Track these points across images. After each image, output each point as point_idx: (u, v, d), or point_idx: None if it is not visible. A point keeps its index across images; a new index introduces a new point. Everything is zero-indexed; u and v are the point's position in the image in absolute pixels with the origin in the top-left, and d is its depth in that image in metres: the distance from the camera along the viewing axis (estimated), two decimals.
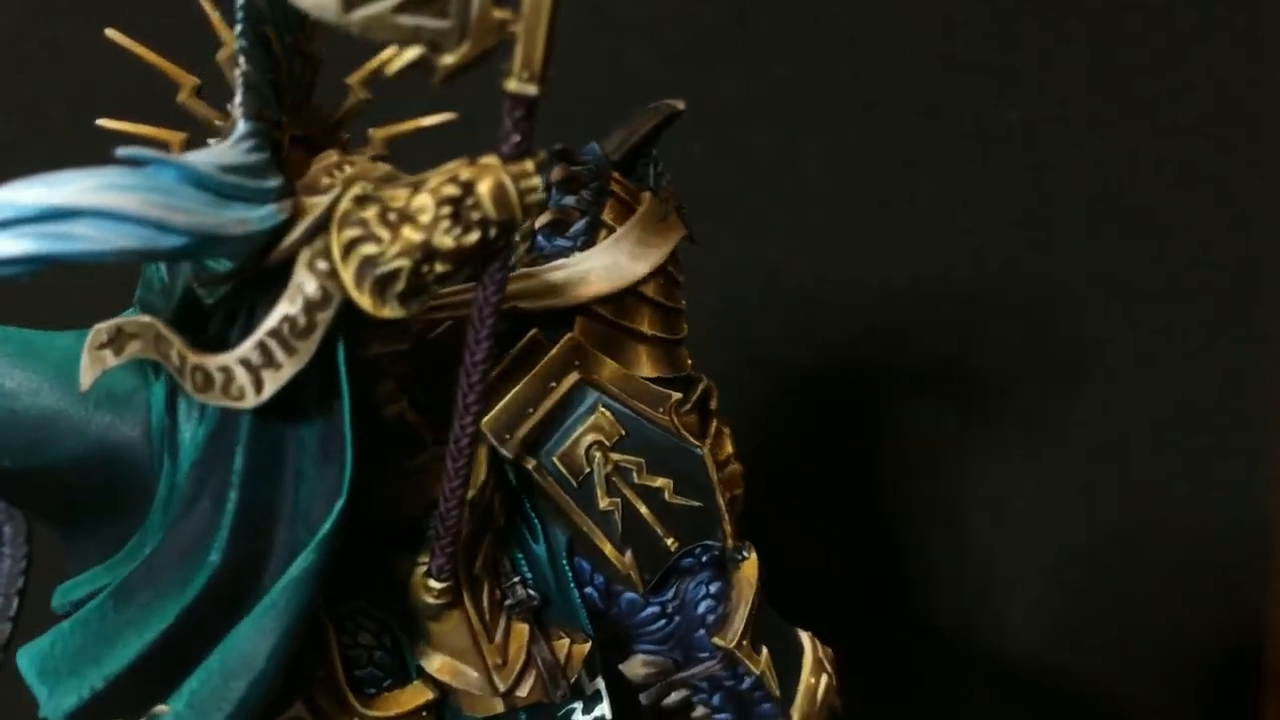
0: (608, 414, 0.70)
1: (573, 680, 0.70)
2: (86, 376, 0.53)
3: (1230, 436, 1.32)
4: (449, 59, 0.51)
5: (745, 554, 0.76)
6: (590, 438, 0.70)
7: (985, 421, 1.33)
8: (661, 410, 0.72)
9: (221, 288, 0.55)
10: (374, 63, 0.65)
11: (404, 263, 0.54)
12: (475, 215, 0.54)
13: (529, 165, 0.54)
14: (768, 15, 1.29)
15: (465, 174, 0.54)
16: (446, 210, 0.54)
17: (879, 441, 1.35)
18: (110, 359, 0.54)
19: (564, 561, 0.71)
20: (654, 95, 0.78)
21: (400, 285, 0.54)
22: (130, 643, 0.58)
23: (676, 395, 0.74)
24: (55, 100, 1.26)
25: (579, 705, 0.73)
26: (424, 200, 0.54)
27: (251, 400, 0.54)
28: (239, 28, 0.55)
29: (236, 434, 0.57)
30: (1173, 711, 1.33)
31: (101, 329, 0.53)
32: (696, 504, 0.72)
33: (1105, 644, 1.33)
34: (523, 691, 0.68)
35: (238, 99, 0.55)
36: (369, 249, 0.54)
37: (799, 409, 1.35)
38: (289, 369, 0.54)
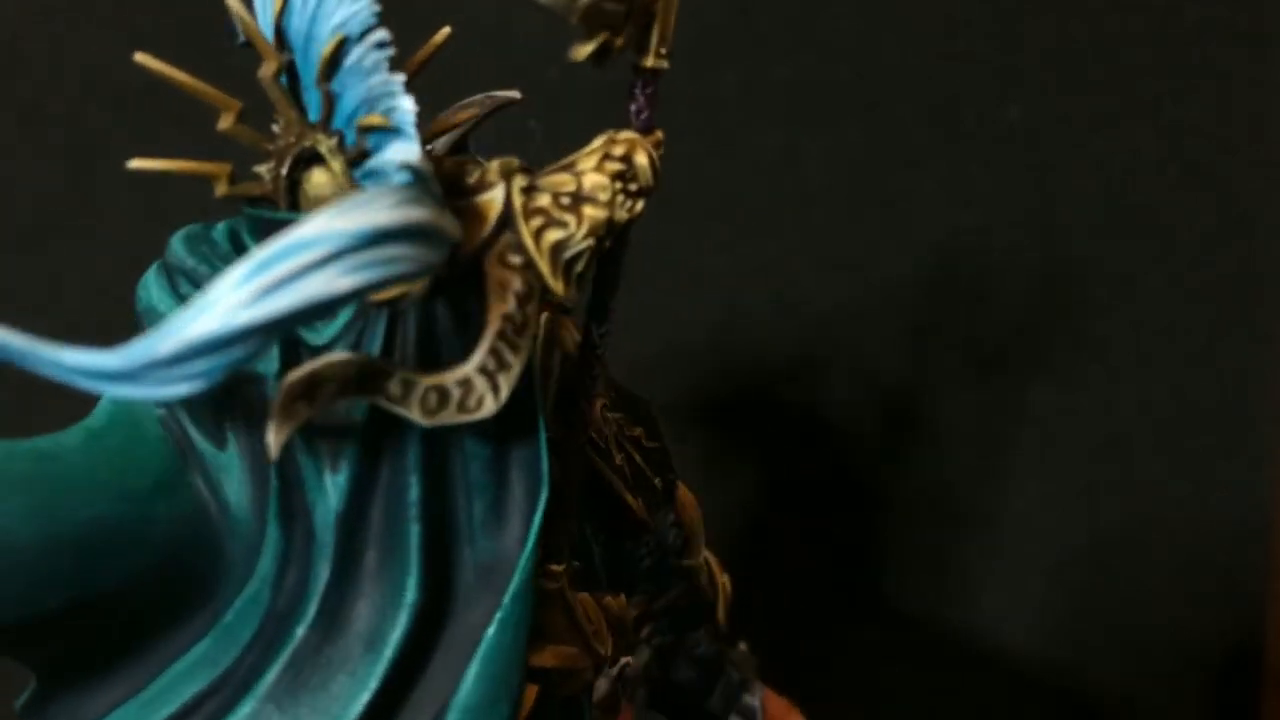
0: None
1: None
2: (278, 438, 0.48)
3: (1232, 437, 1.32)
4: (619, 41, 0.55)
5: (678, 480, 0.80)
6: (600, 400, 0.71)
7: (987, 420, 1.33)
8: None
9: (332, 322, 0.54)
10: (411, 65, 0.64)
11: (591, 242, 0.55)
12: (634, 186, 0.57)
13: (660, 135, 0.58)
14: (770, 15, 1.29)
15: (619, 150, 0.57)
16: (619, 186, 0.56)
17: (881, 440, 1.34)
18: (304, 411, 0.49)
19: (586, 527, 0.73)
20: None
21: (581, 265, 0.55)
22: None
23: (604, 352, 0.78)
24: (55, 100, 1.26)
25: None
26: (599, 179, 0.56)
27: (490, 408, 0.53)
28: (381, 34, 0.53)
29: (403, 464, 0.55)
30: (1173, 711, 1.33)
31: (295, 380, 0.48)
32: (657, 445, 0.75)
33: (1106, 643, 1.33)
34: (608, 652, 0.68)
35: (407, 104, 0.52)
36: (557, 234, 0.55)
37: (800, 408, 1.35)
38: (517, 367, 0.53)
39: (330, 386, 0.49)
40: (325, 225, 0.45)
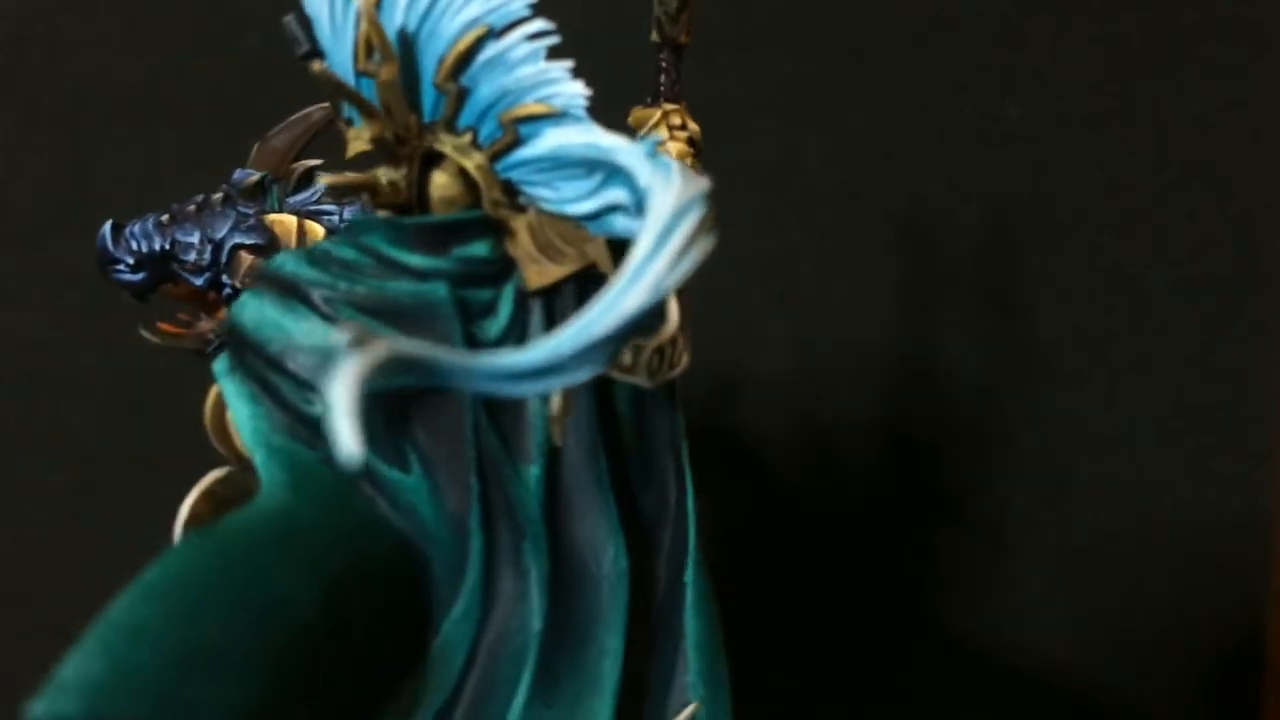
0: None
1: None
2: (563, 425, 0.52)
3: (1232, 434, 1.32)
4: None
5: None
6: None
7: (986, 419, 1.33)
8: None
9: (496, 318, 0.56)
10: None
11: None
12: (695, 150, 0.63)
13: (684, 104, 0.65)
14: (770, 11, 1.29)
15: (676, 120, 0.62)
16: (691, 150, 0.62)
17: (880, 440, 1.34)
18: (570, 402, 0.53)
19: None
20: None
21: None
22: (599, 710, 0.56)
23: None
24: (55, 100, 1.26)
25: None
26: (680, 147, 0.61)
27: (686, 361, 0.56)
28: (539, 24, 0.54)
29: (585, 439, 0.56)
30: (1173, 709, 1.33)
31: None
32: None
33: (1107, 643, 1.33)
34: None
35: (575, 89, 0.54)
36: None
37: (799, 407, 1.35)
38: (687, 321, 0.56)
39: None
40: (684, 192, 0.47)
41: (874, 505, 1.35)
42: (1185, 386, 1.32)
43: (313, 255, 0.57)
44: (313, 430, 0.54)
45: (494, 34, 0.53)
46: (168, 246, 0.82)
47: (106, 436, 1.31)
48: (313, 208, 0.81)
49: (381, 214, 0.56)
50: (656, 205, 0.47)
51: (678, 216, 0.47)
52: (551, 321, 0.55)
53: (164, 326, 0.84)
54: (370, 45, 0.54)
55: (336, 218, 0.82)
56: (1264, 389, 1.31)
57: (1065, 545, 1.34)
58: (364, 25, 0.54)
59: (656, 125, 0.61)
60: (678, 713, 0.59)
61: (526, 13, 0.54)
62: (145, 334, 0.83)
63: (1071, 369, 1.32)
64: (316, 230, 0.82)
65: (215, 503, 0.57)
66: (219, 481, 0.58)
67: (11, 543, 1.32)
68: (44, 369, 1.30)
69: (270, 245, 0.80)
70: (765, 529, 1.34)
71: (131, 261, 0.83)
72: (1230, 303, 1.31)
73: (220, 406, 0.58)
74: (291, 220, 0.81)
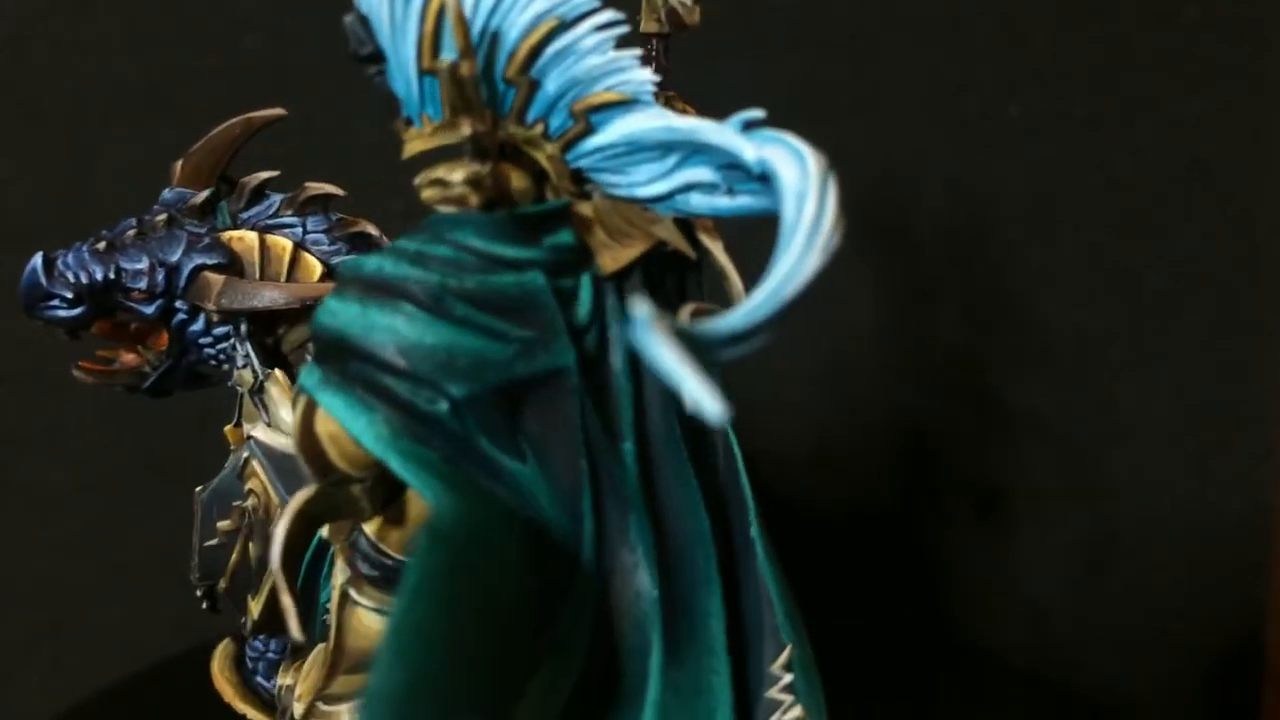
0: None
1: None
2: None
3: (1232, 432, 1.32)
4: None
5: None
6: None
7: (987, 418, 1.33)
8: None
9: (583, 303, 0.57)
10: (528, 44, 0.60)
11: None
12: None
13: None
14: (771, 12, 1.29)
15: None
16: None
17: (880, 440, 1.35)
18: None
19: None
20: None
21: None
22: (722, 681, 0.58)
23: None
24: (55, 100, 1.27)
25: None
26: None
27: None
28: (608, 15, 0.54)
29: (663, 412, 0.57)
30: (1174, 704, 1.33)
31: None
32: None
33: (1107, 641, 1.33)
34: None
35: (643, 75, 0.55)
36: None
37: (799, 408, 1.35)
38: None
39: None
40: (819, 163, 0.48)
41: (873, 504, 1.35)
42: (1185, 386, 1.32)
43: (408, 255, 0.55)
44: (431, 429, 0.54)
45: (564, 26, 0.54)
46: (112, 275, 0.77)
47: (108, 437, 1.31)
48: (270, 221, 0.80)
49: (448, 210, 0.55)
50: (798, 174, 0.48)
51: (825, 180, 0.48)
52: (623, 303, 0.56)
53: (88, 365, 0.81)
54: (436, 43, 0.54)
55: (299, 229, 0.79)
56: (1264, 389, 1.31)
57: (1065, 544, 1.34)
58: (429, 24, 0.54)
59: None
60: (775, 658, 0.61)
61: (595, 4, 0.54)
62: (76, 374, 0.80)
63: (1071, 369, 1.32)
64: (281, 243, 0.79)
65: (307, 522, 0.56)
66: (309, 501, 0.56)
67: (12, 543, 1.32)
68: (45, 369, 1.29)
69: (232, 263, 0.78)
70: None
71: (70, 295, 0.77)
72: (1230, 301, 1.31)
73: (309, 421, 0.55)
74: (251, 236, 0.79)
